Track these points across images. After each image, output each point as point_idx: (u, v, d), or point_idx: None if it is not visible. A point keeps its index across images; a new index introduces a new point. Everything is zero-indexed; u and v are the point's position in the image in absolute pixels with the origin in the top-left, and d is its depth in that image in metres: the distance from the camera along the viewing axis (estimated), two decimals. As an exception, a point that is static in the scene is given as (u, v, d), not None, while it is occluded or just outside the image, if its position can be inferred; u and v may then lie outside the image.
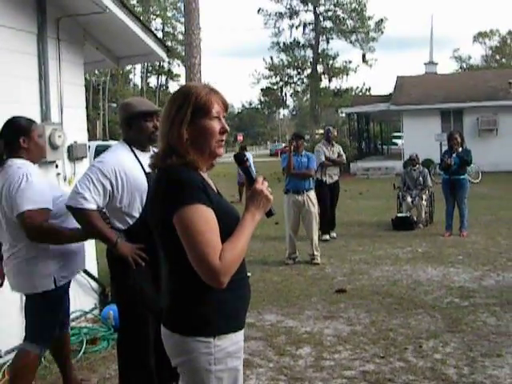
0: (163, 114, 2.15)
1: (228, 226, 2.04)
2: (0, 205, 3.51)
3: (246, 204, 2.13)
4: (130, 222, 3.49)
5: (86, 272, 5.69)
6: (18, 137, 3.60)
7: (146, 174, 3.45)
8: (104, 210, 3.55)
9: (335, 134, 11.37)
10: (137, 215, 3.48)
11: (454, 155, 9.87)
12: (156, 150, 2.82)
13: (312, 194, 8.46)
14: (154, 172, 2.20)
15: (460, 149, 9.96)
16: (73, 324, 5.42)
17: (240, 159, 2.28)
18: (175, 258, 2.07)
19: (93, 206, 3.36)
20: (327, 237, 10.20)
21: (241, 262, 2.07)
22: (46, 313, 3.64)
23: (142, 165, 3.49)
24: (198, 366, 2.06)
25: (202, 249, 1.93)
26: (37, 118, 5.21)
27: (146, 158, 3.03)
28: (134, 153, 3.57)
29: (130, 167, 3.48)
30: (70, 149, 5.64)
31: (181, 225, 1.97)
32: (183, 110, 2.07)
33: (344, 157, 10.89)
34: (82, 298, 5.67)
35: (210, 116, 2.10)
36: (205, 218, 1.97)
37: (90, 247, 5.85)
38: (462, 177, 9.98)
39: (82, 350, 4.86)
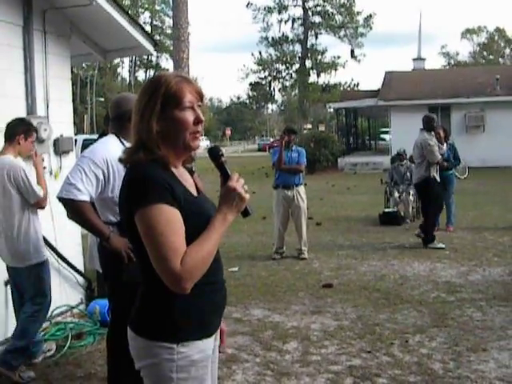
0: (134, 107, 2.03)
1: (196, 227, 1.91)
2: None
3: (218, 203, 1.99)
4: None
5: (72, 267, 5.66)
6: None
7: None
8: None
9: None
10: None
11: (445, 149, 9.92)
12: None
13: (301, 189, 8.39)
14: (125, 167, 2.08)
15: (445, 144, 9.99)
16: (59, 319, 5.39)
17: (214, 154, 2.05)
18: (142, 259, 1.96)
19: (86, 198, 3.34)
20: (442, 245, 8.68)
21: (214, 266, 1.96)
22: None
23: None
24: (159, 372, 1.96)
25: (162, 251, 1.81)
26: (22, 112, 5.17)
27: None
28: (124, 145, 3.55)
29: None
30: (56, 142, 5.59)
31: (142, 225, 1.86)
32: (153, 101, 1.95)
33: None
34: (68, 293, 5.65)
35: (181, 106, 1.96)
36: (167, 218, 1.85)
37: (76, 241, 5.83)
38: (448, 172, 10.00)
39: (68, 345, 4.83)
